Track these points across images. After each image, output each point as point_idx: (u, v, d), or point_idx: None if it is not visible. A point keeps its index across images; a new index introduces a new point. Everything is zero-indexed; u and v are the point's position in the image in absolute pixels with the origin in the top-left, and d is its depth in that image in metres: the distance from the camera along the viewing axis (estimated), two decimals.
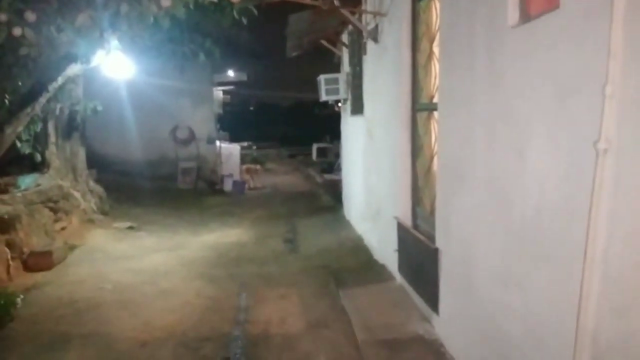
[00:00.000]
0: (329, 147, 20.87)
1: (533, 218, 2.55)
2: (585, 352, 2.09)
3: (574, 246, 2.15)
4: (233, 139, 19.24)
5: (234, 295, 5.39)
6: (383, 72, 5.90)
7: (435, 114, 4.34)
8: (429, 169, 4.71)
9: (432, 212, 4.44)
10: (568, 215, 2.25)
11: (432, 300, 4.14)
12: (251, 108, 36.70)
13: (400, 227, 5.11)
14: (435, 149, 4.40)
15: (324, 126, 24.03)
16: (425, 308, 4.43)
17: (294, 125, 31.93)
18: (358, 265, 6.30)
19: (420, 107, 4.90)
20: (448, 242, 3.86)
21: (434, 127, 4.54)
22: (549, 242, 2.41)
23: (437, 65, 4.21)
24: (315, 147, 21.72)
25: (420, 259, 4.45)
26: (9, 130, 6.22)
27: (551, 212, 2.38)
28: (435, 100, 4.41)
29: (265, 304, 5.13)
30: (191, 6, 4.47)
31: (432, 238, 4.22)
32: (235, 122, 24.11)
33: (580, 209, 2.10)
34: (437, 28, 4.32)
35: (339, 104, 9.98)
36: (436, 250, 4.02)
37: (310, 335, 4.38)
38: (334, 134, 14.81)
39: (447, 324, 3.95)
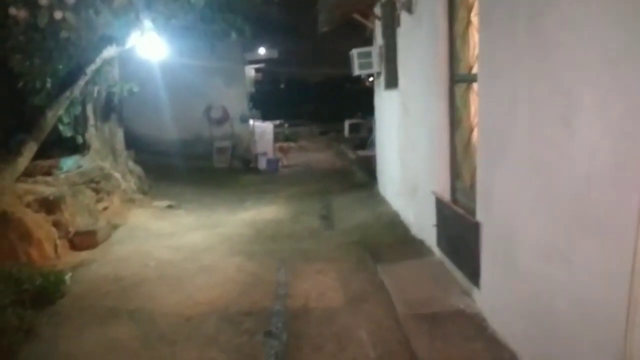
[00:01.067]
0: (362, 122, 20.69)
1: (581, 189, 2.48)
2: (638, 325, 2.04)
3: (625, 217, 2.09)
4: (265, 117, 19.28)
5: (273, 271, 5.46)
6: (418, 44, 5.77)
7: (475, 85, 4.24)
8: (468, 142, 4.62)
9: (472, 185, 4.38)
10: (619, 186, 2.17)
11: (473, 274, 4.11)
12: (282, 86, 36.57)
13: (439, 202, 5.06)
14: (475, 121, 4.31)
15: (355, 102, 23.79)
16: (465, 282, 4.40)
17: (325, 102, 31.63)
18: (395, 240, 6.28)
19: (458, 78, 4.79)
20: (489, 215, 3.80)
21: (473, 98, 4.44)
22: (599, 214, 2.34)
23: (476, 35, 4.09)
24: (347, 123, 21.58)
25: (461, 233, 4.41)
26: (50, 114, 6.40)
27: (601, 183, 2.31)
28: (474, 71, 4.30)
29: (303, 279, 5.19)
30: None
31: (472, 212, 4.16)
32: (266, 100, 24.13)
33: (632, 180, 2.03)
34: None
35: (370, 79, 9.84)
36: (477, 224, 3.96)
37: (350, 309, 4.42)
38: (366, 109, 14.64)
39: (488, 298, 3.92)
